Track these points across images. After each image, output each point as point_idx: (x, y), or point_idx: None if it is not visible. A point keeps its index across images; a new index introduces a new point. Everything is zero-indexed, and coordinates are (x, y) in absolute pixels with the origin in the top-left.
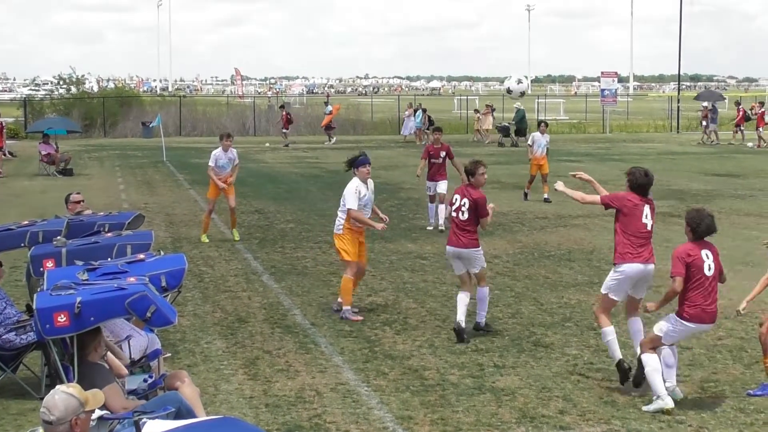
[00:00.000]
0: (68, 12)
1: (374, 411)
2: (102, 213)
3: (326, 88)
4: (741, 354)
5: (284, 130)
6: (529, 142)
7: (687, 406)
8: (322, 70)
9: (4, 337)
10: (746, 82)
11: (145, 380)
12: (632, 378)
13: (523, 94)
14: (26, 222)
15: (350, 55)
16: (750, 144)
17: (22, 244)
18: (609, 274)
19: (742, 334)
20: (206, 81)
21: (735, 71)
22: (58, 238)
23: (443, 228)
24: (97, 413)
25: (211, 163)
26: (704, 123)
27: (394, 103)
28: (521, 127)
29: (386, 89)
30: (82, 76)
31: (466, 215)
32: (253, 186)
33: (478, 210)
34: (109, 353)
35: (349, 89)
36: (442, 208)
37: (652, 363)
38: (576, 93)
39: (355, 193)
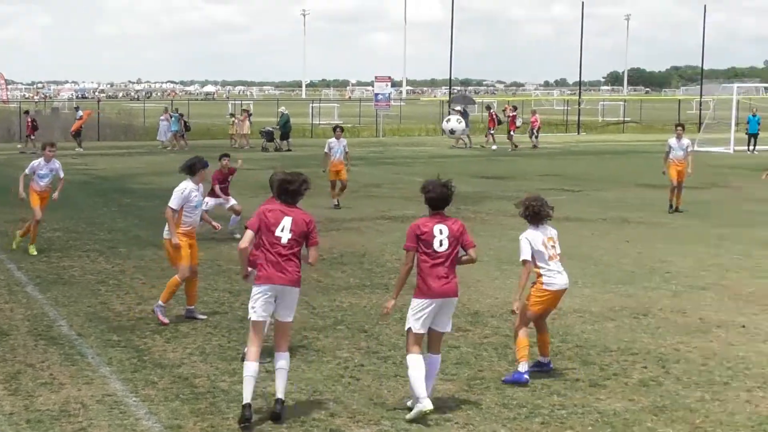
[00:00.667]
0: None
1: (142, 421)
2: None
3: (96, 93)
4: (506, 351)
5: (30, 137)
6: (326, 149)
7: (454, 404)
8: (94, 74)
9: None
10: (514, 87)
11: None
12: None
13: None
14: None
15: (122, 59)
16: (494, 147)
17: None
18: None
19: (507, 332)
20: None
21: (503, 76)
22: None
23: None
24: None
25: (27, 171)
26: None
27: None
28: (285, 131)
29: (159, 94)
30: None
31: None
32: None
33: None
34: None
35: (121, 94)
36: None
37: (413, 364)
38: (350, 97)
39: (182, 193)
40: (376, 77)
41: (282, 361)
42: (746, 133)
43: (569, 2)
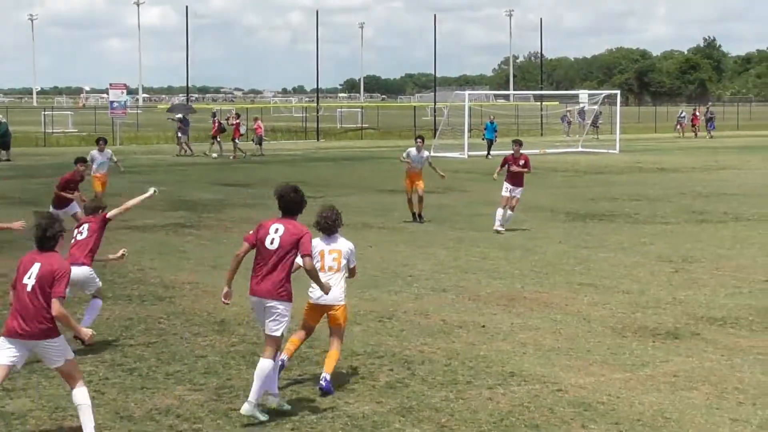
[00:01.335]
0: None
1: None
2: None
3: None
4: (254, 359)
5: None
6: (89, 159)
7: (203, 414)
8: None
9: None
10: (252, 94)
11: None
12: None
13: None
14: None
15: None
16: (215, 155)
17: None
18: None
19: (254, 340)
20: None
21: (242, 83)
22: None
23: None
24: None
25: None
26: (179, 135)
27: None
28: (5, 140)
29: None
30: None
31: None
32: None
33: None
34: None
35: None
36: None
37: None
38: (84, 105)
39: None
40: (111, 84)
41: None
42: (483, 139)
43: (304, 10)
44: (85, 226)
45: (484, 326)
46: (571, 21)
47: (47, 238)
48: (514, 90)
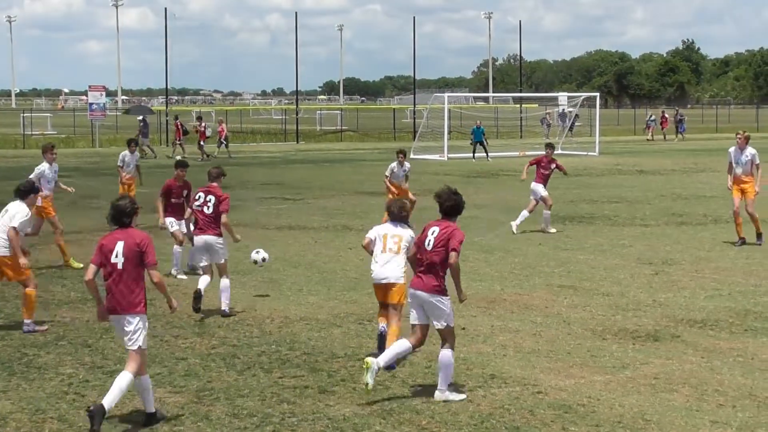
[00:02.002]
0: None
1: None
2: None
3: None
4: (234, 361)
5: None
6: (120, 161)
7: (184, 416)
8: None
9: None
10: (231, 96)
11: None
12: None
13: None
14: None
15: None
16: (179, 157)
17: None
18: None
19: (234, 342)
20: None
21: (221, 85)
22: None
23: None
24: None
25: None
26: (140, 137)
27: None
28: None
29: None
30: None
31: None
32: None
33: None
34: None
35: None
36: None
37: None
38: (63, 107)
39: (26, 216)
40: (90, 87)
41: None
42: (471, 143)
43: (283, 12)
44: (211, 197)
45: (464, 328)
46: (550, 24)
47: (126, 215)
48: (493, 92)
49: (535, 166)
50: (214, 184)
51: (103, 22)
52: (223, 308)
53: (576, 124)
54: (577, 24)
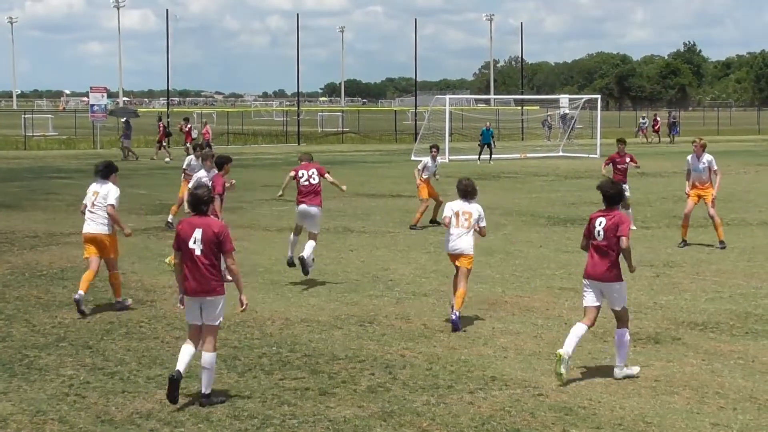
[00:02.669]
0: None
1: None
2: None
3: None
4: (235, 363)
5: None
6: (185, 165)
7: (185, 418)
8: None
9: None
10: (233, 98)
11: None
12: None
13: None
14: None
15: None
16: (167, 159)
17: None
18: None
19: (235, 344)
20: None
21: (222, 87)
22: None
23: None
24: None
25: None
26: (122, 139)
27: None
28: None
29: None
30: None
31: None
32: None
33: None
34: None
35: None
36: None
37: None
38: (65, 108)
39: (118, 192)
40: (91, 88)
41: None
42: (479, 144)
43: (284, 14)
44: (313, 171)
45: (465, 330)
46: (551, 25)
47: (203, 202)
48: (494, 94)
49: (611, 164)
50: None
51: (105, 23)
52: (306, 256)
53: (577, 126)
54: (578, 26)
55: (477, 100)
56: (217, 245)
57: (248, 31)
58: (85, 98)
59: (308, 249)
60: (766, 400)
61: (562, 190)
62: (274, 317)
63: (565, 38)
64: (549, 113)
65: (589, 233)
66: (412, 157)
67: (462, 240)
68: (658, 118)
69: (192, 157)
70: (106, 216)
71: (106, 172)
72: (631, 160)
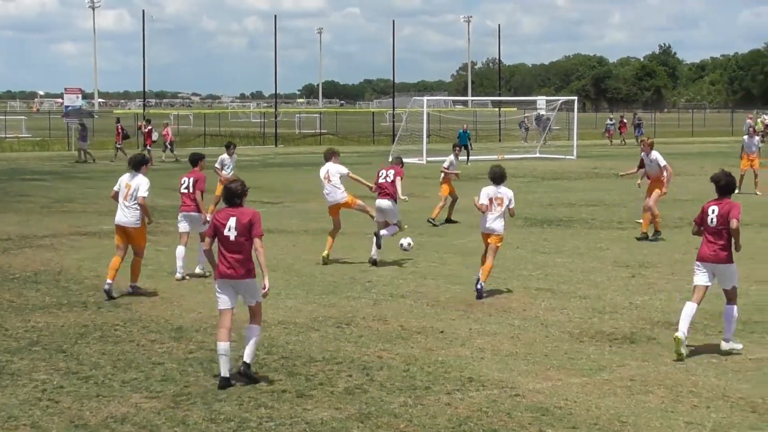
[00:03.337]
0: None
1: None
2: None
3: None
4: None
5: None
6: (218, 164)
7: (161, 421)
8: None
9: None
10: (210, 99)
11: None
12: None
13: None
14: None
15: None
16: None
17: None
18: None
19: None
20: None
21: (199, 88)
22: None
23: None
24: None
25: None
26: (79, 141)
27: None
28: None
29: None
30: None
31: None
32: None
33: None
34: None
35: None
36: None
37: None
38: (38, 110)
39: (149, 184)
40: (65, 89)
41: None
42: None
43: (262, 15)
44: (391, 171)
45: (442, 332)
46: (529, 27)
47: (237, 196)
48: (472, 96)
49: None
50: (396, 167)
51: (80, 23)
52: (384, 233)
53: (553, 128)
54: (555, 28)
55: (455, 102)
56: (249, 230)
57: (226, 32)
58: (59, 99)
59: (389, 230)
60: (738, 398)
61: (539, 191)
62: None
63: (543, 40)
64: (526, 115)
65: (701, 221)
66: (390, 159)
67: (496, 222)
68: (625, 120)
69: (225, 155)
70: (137, 208)
71: (137, 164)
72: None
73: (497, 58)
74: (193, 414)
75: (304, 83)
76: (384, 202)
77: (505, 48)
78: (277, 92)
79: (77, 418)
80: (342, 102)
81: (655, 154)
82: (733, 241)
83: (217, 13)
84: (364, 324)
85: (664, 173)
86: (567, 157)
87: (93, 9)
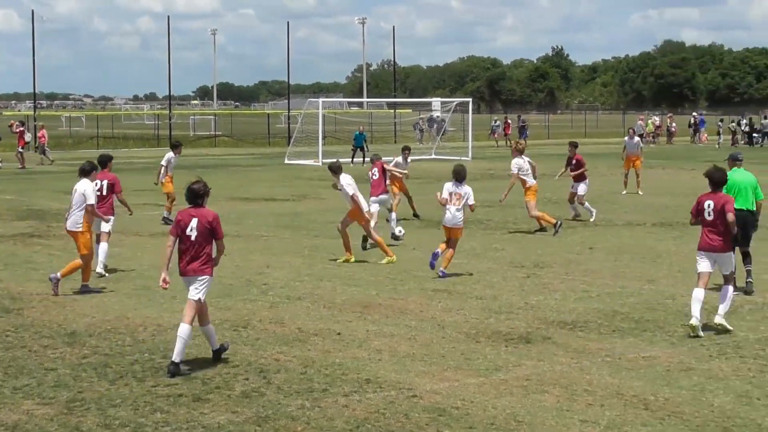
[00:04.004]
0: None
1: None
2: None
3: None
4: (106, 370)
5: None
6: (164, 162)
7: (52, 428)
8: None
9: None
10: (103, 101)
11: None
12: None
13: None
14: None
15: None
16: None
17: None
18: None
19: (106, 351)
20: None
21: (91, 90)
22: None
23: None
24: None
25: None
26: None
27: None
28: None
29: None
30: None
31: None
32: None
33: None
34: None
35: None
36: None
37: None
38: None
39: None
40: None
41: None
42: (352, 148)
43: (154, 16)
44: (375, 170)
45: (339, 334)
46: (424, 29)
47: (200, 196)
48: (367, 97)
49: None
50: (379, 162)
51: None
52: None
53: (448, 129)
54: (449, 30)
55: (350, 104)
56: (210, 232)
57: (118, 33)
58: None
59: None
60: (632, 395)
61: (435, 192)
62: (146, 323)
63: (437, 42)
64: (421, 116)
65: (698, 212)
66: (286, 161)
67: (458, 216)
68: (509, 121)
69: (172, 154)
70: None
71: (86, 171)
72: (578, 164)
73: (392, 59)
74: (87, 420)
75: (198, 85)
76: (382, 197)
77: (400, 50)
78: (171, 94)
79: None
80: (237, 104)
81: (514, 160)
82: (730, 230)
83: (109, 13)
84: (261, 327)
85: (510, 179)
86: (462, 158)
87: None
